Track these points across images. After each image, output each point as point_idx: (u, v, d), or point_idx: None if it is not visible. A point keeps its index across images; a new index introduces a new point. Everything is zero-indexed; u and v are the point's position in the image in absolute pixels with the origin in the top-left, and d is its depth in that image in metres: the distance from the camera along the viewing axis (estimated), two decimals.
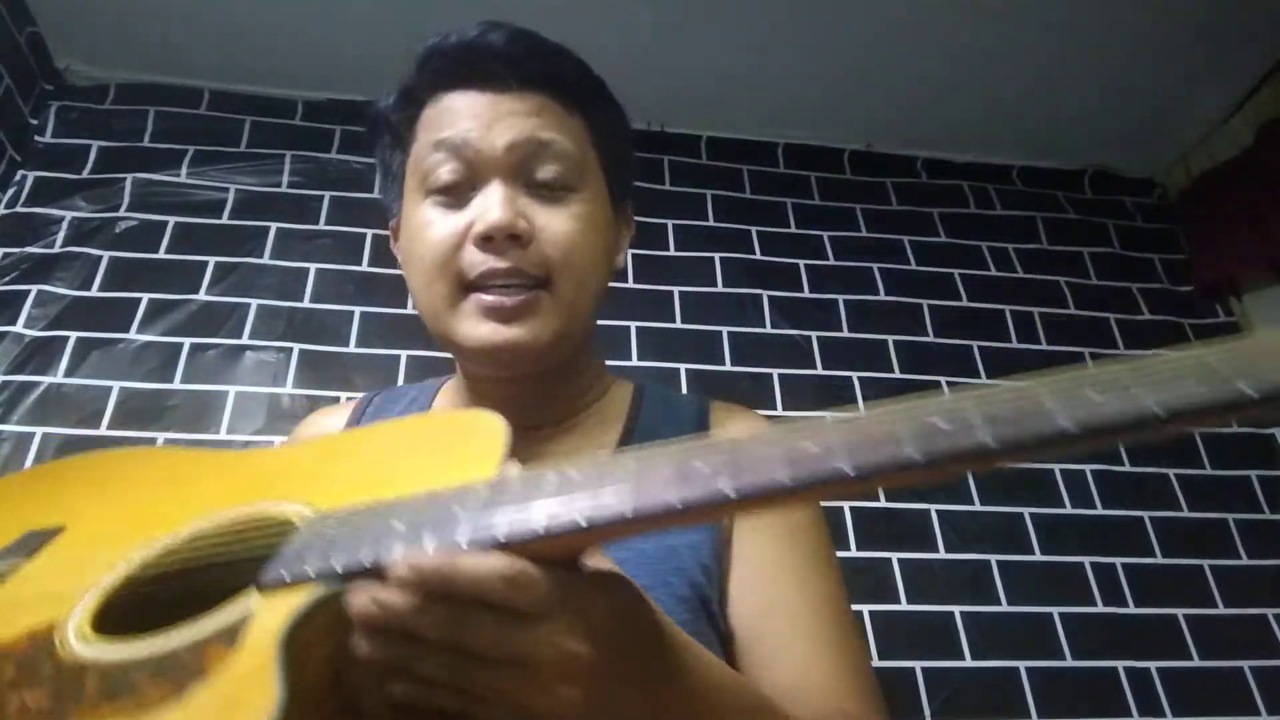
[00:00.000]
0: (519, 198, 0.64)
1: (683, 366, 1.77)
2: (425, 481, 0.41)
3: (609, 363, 0.81)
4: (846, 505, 1.67)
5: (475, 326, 0.63)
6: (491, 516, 0.35)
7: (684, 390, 1.74)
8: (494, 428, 0.44)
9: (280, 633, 0.34)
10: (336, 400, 1.44)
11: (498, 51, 0.66)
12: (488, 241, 0.62)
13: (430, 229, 0.65)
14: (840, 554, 1.63)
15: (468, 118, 0.65)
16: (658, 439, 0.67)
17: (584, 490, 0.35)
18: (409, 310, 1.71)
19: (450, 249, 0.64)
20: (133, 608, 0.42)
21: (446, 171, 0.65)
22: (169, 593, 0.43)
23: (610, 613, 0.39)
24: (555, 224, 0.64)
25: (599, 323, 0.75)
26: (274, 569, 0.37)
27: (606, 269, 0.71)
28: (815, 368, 1.84)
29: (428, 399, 0.78)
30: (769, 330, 1.87)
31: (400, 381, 1.68)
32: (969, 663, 1.55)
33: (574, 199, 0.66)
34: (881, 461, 0.32)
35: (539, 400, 0.71)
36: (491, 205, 0.62)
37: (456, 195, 0.65)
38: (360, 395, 0.82)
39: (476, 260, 0.63)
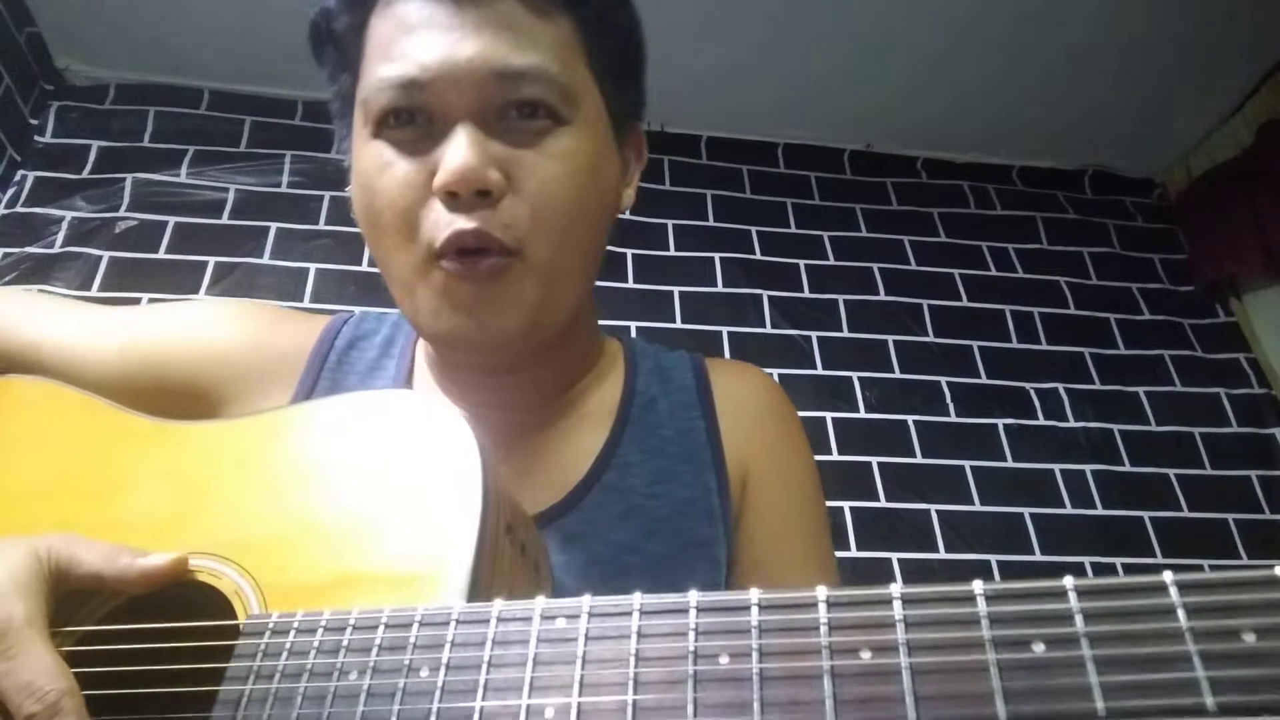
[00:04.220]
0: (490, 141, 0.52)
1: None
2: (388, 542, 0.43)
3: None
4: (846, 505, 1.67)
5: (435, 311, 0.54)
6: (470, 700, 0.33)
7: None
8: (471, 482, 0.43)
9: None
10: None
11: None
12: (452, 197, 0.51)
13: (385, 175, 0.54)
14: (840, 554, 1.63)
15: (422, 39, 0.52)
16: (656, 409, 0.66)
17: (564, 685, 0.32)
18: None
19: (411, 202, 0.53)
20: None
21: (400, 106, 0.53)
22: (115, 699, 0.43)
23: None
24: (534, 170, 0.53)
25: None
26: None
27: (604, 215, 0.58)
28: (815, 368, 1.84)
29: (403, 365, 0.67)
30: (769, 330, 1.87)
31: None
32: None
33: (560, 134, 0.54)
34: (955, 715, 0.26)
35: (528, 382, 0.63)
36: (455, 152, 0.51)
37: (415, 131, 0.53)
38: (327, 322, 0.71)
39: (442, 221, 0.52)
